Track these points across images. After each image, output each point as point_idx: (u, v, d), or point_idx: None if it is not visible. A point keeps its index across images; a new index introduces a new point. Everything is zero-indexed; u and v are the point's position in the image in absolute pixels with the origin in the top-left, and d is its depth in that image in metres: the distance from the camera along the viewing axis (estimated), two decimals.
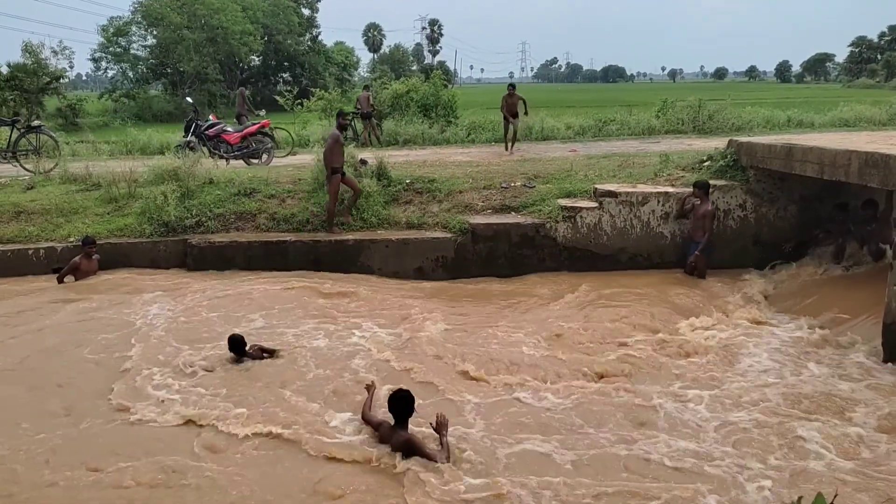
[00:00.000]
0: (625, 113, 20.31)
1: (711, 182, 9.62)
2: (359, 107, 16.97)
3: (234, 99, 16.46)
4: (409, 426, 4.94)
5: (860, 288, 8.10)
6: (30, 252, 9.83)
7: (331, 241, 9.91)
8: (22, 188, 11.64)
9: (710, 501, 4.33)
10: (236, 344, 6.56)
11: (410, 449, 4.73)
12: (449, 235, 9.93)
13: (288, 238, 10.01)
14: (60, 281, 9.25)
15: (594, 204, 9.93)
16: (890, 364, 6.41)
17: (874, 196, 8.71)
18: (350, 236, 10.00)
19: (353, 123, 16.38)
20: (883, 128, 18.10)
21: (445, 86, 20.45)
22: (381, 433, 4.97)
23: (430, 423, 4.96)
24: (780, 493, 4.41)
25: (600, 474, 4.65)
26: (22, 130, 13.19)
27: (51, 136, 13.72)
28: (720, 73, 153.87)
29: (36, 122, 13.99)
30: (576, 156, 13.34)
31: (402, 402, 4.90)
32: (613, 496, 4.40)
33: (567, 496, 4.39)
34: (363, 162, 11.32)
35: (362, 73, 56.56)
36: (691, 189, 9.55)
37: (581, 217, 9.81)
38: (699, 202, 9.36)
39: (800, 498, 1.51)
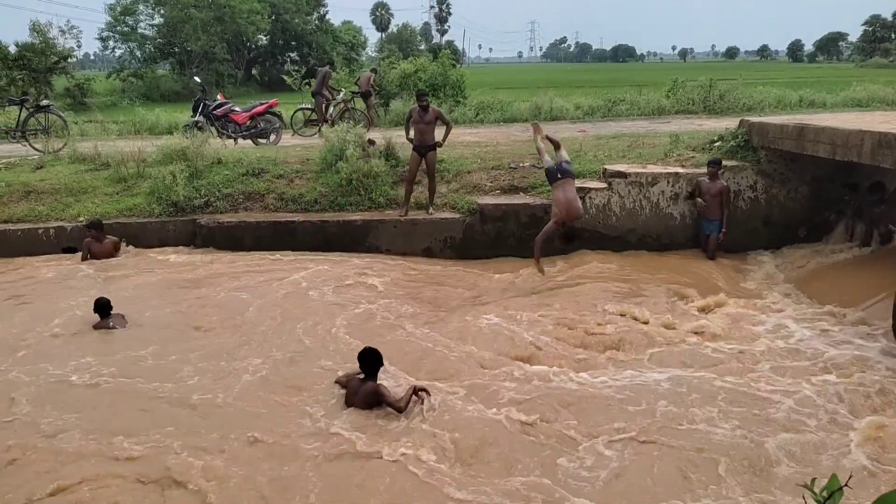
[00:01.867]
0: (634, 93, 20.11)
1: (723, 162, 9.56)
2: (359, 86, 16.81)
3: (318, 76, 15.97)
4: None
5: (872, 270, 8.07)
6: (40, 231, 9.87)
7: (339, 221, 9.90)
8: (31, 168, 11.67)
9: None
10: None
11: (377, 397, 5.26)
12: (457, 216, 9.91)
13: (296, 218, 10.01)
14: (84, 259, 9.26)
15: (603, 185, 9.88)
16: None
17: (884, 178, 8.64)
18: (357, 216, 9.99)
19: (347, 103, 16.22)
20: None
21: (454, 65, 20.28)
22: (350, 387, 5.42)
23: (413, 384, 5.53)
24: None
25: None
26: (31, 110, 13.18)
27: (60, 116, 13.71)
28: (731, 53, 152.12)
29: (45, 102, 13.94)
30: (585, 136, 13.23)
31: (371, 357, 5.46)
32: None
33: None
34: (371, 142, 11.27)
35: (370, 53, 56.15)
36: (704, 169, 9.51)
37: (590, 198, 9.75)
38: (711, 181, 9.31)
39: (813, 480, 1.50)
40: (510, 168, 10.84)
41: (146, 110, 18.15)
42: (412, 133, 9.71)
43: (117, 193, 10.74)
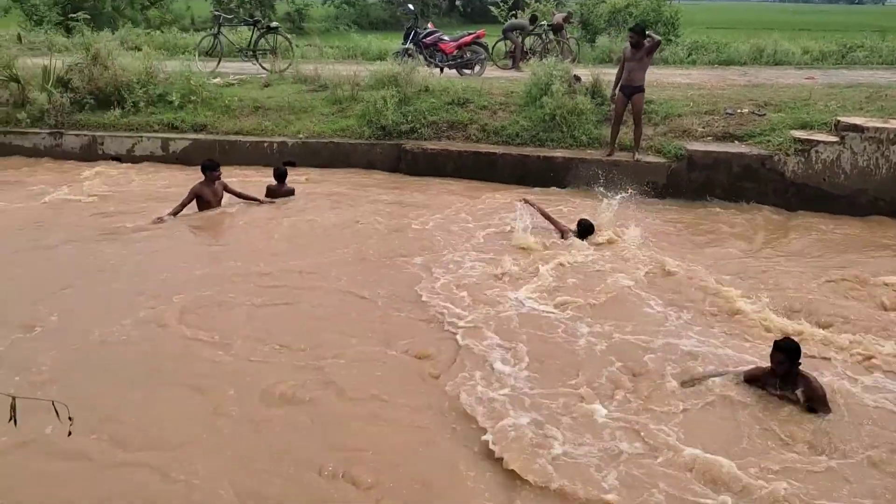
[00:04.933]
0: (876, 39, 17.79)
1: None
2: (551, 22, 16.30)
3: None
4: None
5: None
6: (265, 144, 10.77)
7: (539, 157, 9.86)
8: (260, 85, 12.66)
9: None
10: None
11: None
12: (662, 160, 9.48)
13: (497, 151, 10.09)
14: (175, 215, 8.06)
15: (834, 138, 8.94)
16: None
17: None
18: (559, 153, 9.88)
19: (542, 36, 15.86)
20: None
21: (668, 1, 19.04)
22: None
23: None
24: None
25: None
26: (262, 31, 14.22)
27: (286, 38, 14.67)
28: None
29: (274, 24, 14.97)
30: (813, 83, 11.98)
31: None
32: None
33: None
34: (577, 78, 10.99)
35: None
36: None
37: (816, 152, 8.89)
38: None
39: None
40: (726, 114, 10.11)
41: (359, 37, 18.96)
42: (623, 73, 9.30)
43: (332, 114, 11.39)
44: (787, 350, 4.49)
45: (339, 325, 5.64)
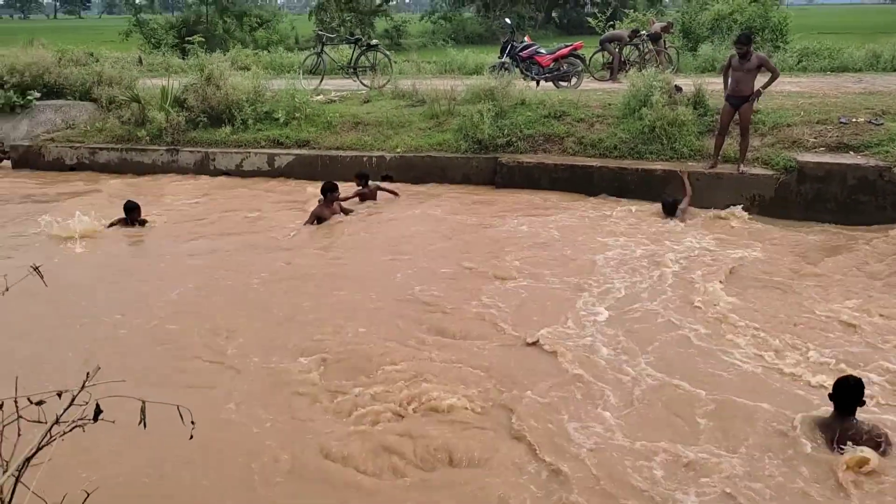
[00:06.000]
0: None
1: None
2: (648, 31, 15.94)
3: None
4: None
5: None
6: (364, 159, 11.05)
7: (638, 169, 9.66)
8: (360, 101, 13.05)
9: None
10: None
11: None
12: (770, 172, 9.09)
13: (594, 163, 9.97)
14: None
15: None
16: None
17: None
18: (658, 166, 9.65)
19: (640, 46, 15.53)
20: None
21: (776, 5, 18.30)
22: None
23: None
24: None
25: None
26: (362, 49, 14.67)
27: (385, 55, 15.07)
28: None
29: (374, 41, 15.41)
30: None
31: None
32: None
33: None
34: (678, 89, 10.73)
35: None
36: None
37: None
38: None
39: None
40: (840, 123, 9.60)
41: (455, 51, 19.21)
42: (728, 83, 8.99)
43: (429, 129, 11.58)
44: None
45: None
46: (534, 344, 5.48)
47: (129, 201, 8.79)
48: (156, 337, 5.72)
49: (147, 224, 8.74)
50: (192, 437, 2.03)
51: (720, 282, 6.65)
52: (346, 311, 6.14)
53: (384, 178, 10.50)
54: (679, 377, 4.92)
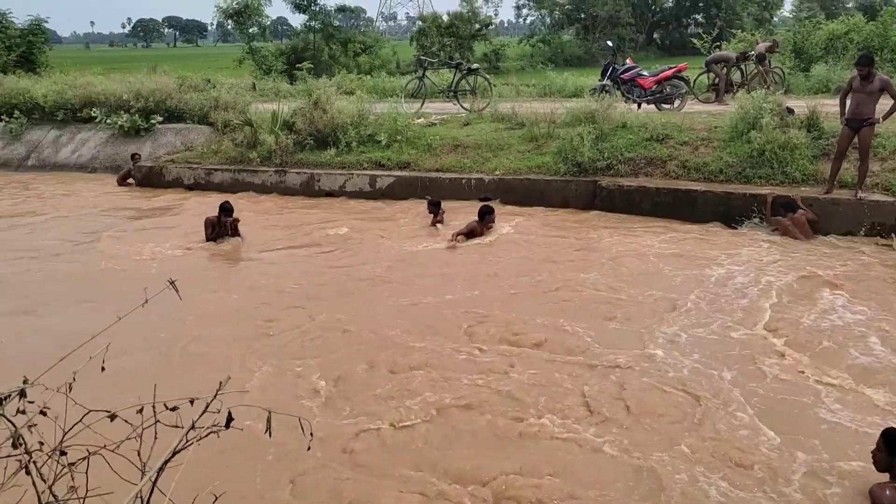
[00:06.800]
0: None
1: None
2: (755, 51, 15.35)
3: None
4: None
5: None
6: (463, 181, 11.19)
7: (745, 194, 9.32)
8: (460, 124, 13.24)
9: None
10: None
11: None
12: (891, 199, 8.58)
13: (698, 188, 9.69)
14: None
15: None
16: None
17: None
18: (768, 190, 9.27)
19: (744, 68, 15.00)
20: None
21: None
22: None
23: None
24: None
25: None
26: (463, 73, 14.92)
27: (485, 78, 15.26)
28: None
29: (474, 66, 15.65)
30: None
31: None
32: None
33: None
34: (790, 111, 10.30)
35: (784, 14, 50.98)
36: None
37: None
38: None
39: None
40: None
41: (555, 74, 19.21)
42: (847, 105, 8.57)
43: (528, 151, 11.60)
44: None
45: None
46: None
47: (225, 201, 9.28)
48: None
49: (238, 225, 9.23)
50: (309, 448, 2.11)
51: None
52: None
53: (482, 200, 10.59)
54: None
